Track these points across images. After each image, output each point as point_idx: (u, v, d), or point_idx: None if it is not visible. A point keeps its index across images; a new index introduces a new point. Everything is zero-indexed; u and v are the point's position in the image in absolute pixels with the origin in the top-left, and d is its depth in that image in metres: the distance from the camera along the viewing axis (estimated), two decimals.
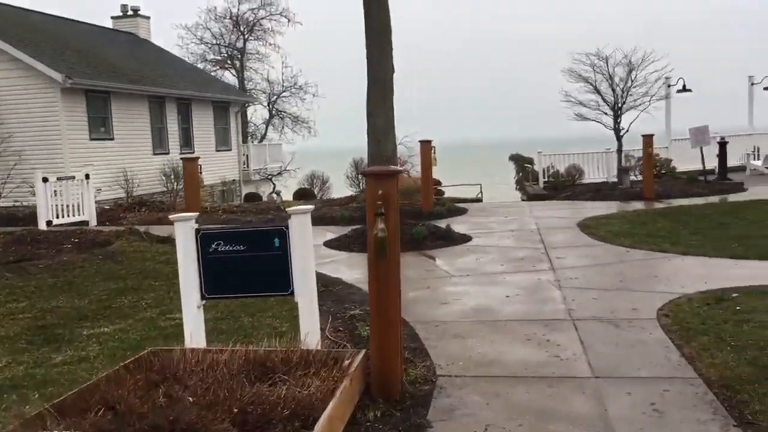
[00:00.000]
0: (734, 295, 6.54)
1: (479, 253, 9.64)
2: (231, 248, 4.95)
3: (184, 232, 4.86)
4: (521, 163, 25.32)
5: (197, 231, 4.95)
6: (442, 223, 12.14)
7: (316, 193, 25.08)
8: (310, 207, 5.07)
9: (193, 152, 22.37)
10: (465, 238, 10.87)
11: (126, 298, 7.82)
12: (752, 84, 22.71)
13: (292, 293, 4.95)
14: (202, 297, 4.99)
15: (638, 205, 14.50)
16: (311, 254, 4.96)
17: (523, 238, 10.78)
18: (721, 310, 6.09)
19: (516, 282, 7.69)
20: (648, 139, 15.75)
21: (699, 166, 20.26)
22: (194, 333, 4.87)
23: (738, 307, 6.11)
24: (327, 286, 7.84)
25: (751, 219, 11.35)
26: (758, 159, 20.82)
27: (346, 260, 9.71)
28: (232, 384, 3.82)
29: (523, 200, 20.18)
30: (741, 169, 20.45)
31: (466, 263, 9.01)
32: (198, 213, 7.46)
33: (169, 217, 5.16)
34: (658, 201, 15.05)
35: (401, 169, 4.09)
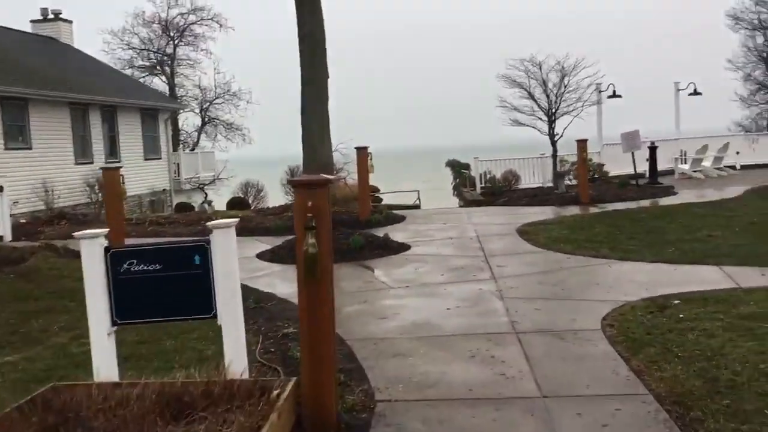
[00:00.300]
0: (676, 302, 6.43)
1: (418, 263, 9.34)
2: (146, 267, 4.46)
3: (90, 250, 4.35)
4: (458, 169, 25.31)
5: (106, 249, 4.44)
6: (380, 232, 11.80)
7: (250, 202, 24.39)
8: (235, 220, 4.63)
9: (120, 161, 21.42)
10: (404, 247, 10.56)
11: (37, 321, 7.15)
12: (678, 90, 23.32)
13: (215, 316, 4.49)
14: (113, 323, 4.47)
15: (575, 210, 14.53)
16: (236, 272, 4.52)
17: (463, 246, 10.55)
18: (664, 318, 5.95)
19: (457, 293, 7.41)
20: (582, 144, 15.85)
21: (630, 170, 20.62)
22: (103, 364, 4.35)
23: (681, 315, 5.98)
24: (259, 302, 7.39)
25: (684, 222, 11.45)
26: (685, 163, 21.35)
27: (279, 273, 9.25)
28: (143, 426, 3.36)
29: (460, 206, 20.09)
30: (670, 172, 20.91)
31: (406, 274, 8.69)
32: (115, 227, 6.88)
33: (74, 234, 4.63)
34: (593, 205, 15.13)
35: (333, 177, 3.75)
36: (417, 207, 24.85)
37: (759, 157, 23.43)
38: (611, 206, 14.61)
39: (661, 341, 5.35)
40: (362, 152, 13.69)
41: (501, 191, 19.20)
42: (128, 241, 10.63)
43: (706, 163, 21.17)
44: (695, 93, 23.13)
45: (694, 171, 20.70)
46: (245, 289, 8.34)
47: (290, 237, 11.25)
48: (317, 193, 3.92)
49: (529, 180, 20.33)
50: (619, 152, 21.05)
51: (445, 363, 5.20)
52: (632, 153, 17.74)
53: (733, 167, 22.17)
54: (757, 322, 5.62)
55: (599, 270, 8.17)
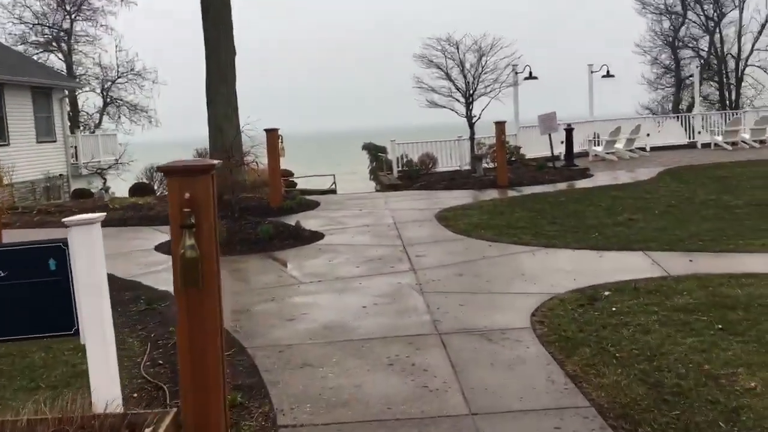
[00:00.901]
0: (606, 293, 6.01)
1: (332, 253, 8.64)
2: None
3: None
4: (375, 152, 24.71)
5: None
6: (291, 220, 11.02)
7: (156, 188, 22.97)
8: (100, 215, 3.80)
9: (8, 144, 19.61)
10: (317, 236, 9.83)
11: None
12: (592, 72, 23.49)
13: (77, 333, 3.66)
14: None
15: (493, 194, 14.18)
16: (103, 278, 3.69)
17: (380, 234, 9.93)
18: (596, 312, 5.51)
19: (374, 288, 6.77)
20: (501, 127, 15.52)
21: (547, 153, 20.58)
22: None
23: (613, 308, 5.56)
24: (152, 303, 6.52)
25: (604, 206, 11.24)
26: (599, 145, 21.52)
27: None
28: None
29: (377, 191, 19.51)
30: (584, 154, 21.02)
31: (318, 266, 7.98)
32: None
33: None
34: (511, 189, 14.84)
35: (215, 162, 2.98)
36: (333, 192, 24.12)
37: (666, 138, 23.99)
38: (530, 189, 14.36)
39: (595, 339, 4.89)
40: (272, 134, 12.82)
41: (418, 175, 18.72)
42: (4, 235, 9.41)
43: (619, 145, 21.41)
44: (608, 75, 23.39)
45: (608, 153, 20.88)
46: (137, 286, 7.46)
47: None
48: (197, 182, 3.15)
49: (447, 163, 19.96)
50: (536, 134, 20.99)
51: (361, 374, 4.54)
52: (549, 135, 17.61)
53: (643, 149, 22.57)
54: (692, 314, 5.25)
55: (523, 259, 7.72)
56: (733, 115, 25.68)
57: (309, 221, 11.15)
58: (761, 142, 22.32)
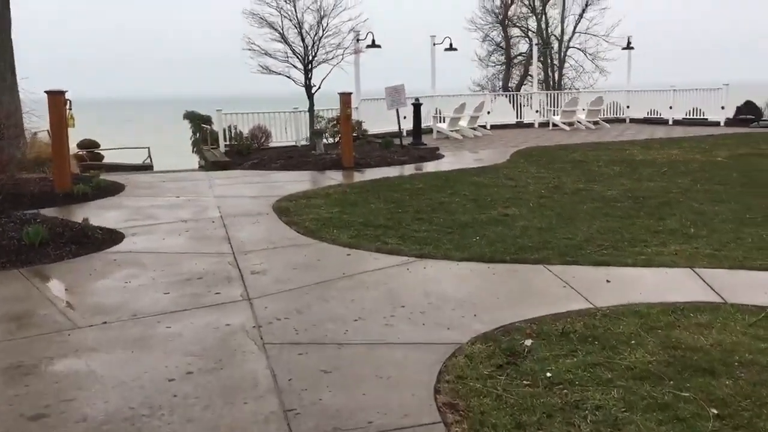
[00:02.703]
0: (527, 342, 4.27)
1: (132, 268, 6.20)
2: None
3: None
4: (198, 122, 21.75)
5: None
6: (81, 213, 8.34)
7: None
8: None
9: None
10: (113, 239, 7.30)
11: None
12: (434, 44, 22.19)
13: None
14: None
15: (339, 177, 12.23)
16: None
17: (202, 235, 7.59)
18: (526, 382, 3.73)
19: (188, 336, 4.52)
20: (346, 98, 13.55)
21: (390, 128, 19.02)
22: None
23: (548, 374, 3.81)
24: None
25: (469, 195, 9.69)
26: (443, 122, 20.33)
27: None
28: None
29: (201, 168, 16.80)
30: (428, 131, 19.72)
31: (107, 292, 5.53)
32: None
33: None
34: (358, 170, 13.00)
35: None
36: (148, 168, 20.92)
37: (502, 117, 23.45)
38: (380, 172, 12.58)
39: None
40: (56, 98, 9.81)
41: (249, 151, 16.30)
42: None
43: (463, 123, 20.38)
44: (451, 48, 22.24)
45: (452, 130, 19.74)
46: None
47: None
48: None
49: (281, 137, 17.73)
50: (379, 108, 19.35)
51: None
52: (397, 110, 15.94)
53: (484, 127, 21.78)
54: (662, 385, 3.63)
55: (397, 277, 5.81)
56: (567, 96, 25.72)
57: (107, 214, 8.54)
58: (595, 123, 22.39)
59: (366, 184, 11.05)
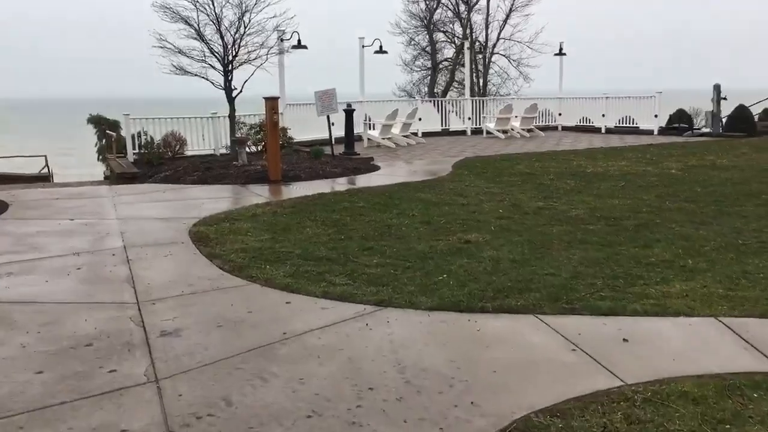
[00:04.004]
0: None
1: None
2: None
3: None
4: (104, 127, 19.76)
5: None
6: None
7: None
8: None
9: None
10: None
11: None
12: (363, 46, 20.93)
13: None
14: None
15: (265, 192, 10.78)
16: None
17: (98, 274, 6.02)
18: None
19: None
20: (273, 104, 12.09)
21: (317, 136, 17.71)
22: None
23: None
24: None
25: (419, 217, 8.46)
26: (373, 129, 19.11)
27: None
28: None
29: (106, 179, 14.94)
30: (357, 139, 18.44)
31: None
32: None
33: None
34: (287, 185, 11.60)
35: None
36: (46, 178, 18.74)
37: (433, 124, 22.45)
38: (311, 186, 11.20)
39: None
40: None
41: (161, 160, 14.58)
42: None
43: (395, 130, 19.23)
44: (381, 51, 21.03)
45: (384, 138, 18.55)
46: None
47: None
48: None
49: (198, 145, 16.07)
50: (305, 114, 18.03)
51: None
52: (328, 117, 14.58)
53: (415, 134, 20.71)
54: None
55: (356, 339, 4.47)
56: (500, 103, 25.00)
57: None
58: (529, 131, 21.71)
59: (298, 202, 9.64)
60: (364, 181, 11.96)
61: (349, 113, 15.40)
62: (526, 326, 4.62)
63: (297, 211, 8.91)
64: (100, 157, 20.12)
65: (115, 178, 13.55)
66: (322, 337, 4.44)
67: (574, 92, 24.97)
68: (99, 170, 18.58)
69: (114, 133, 16.07)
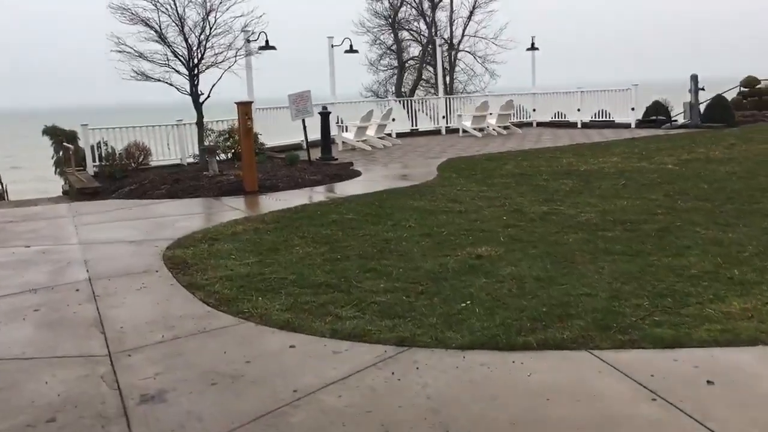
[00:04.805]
0: None
1: None
2: None
3: None
4: (61, 139, 18.59)
5: None
6: None
7: None
8: None
9: None
10: None
11: None
12: (333, 46, 20.09)
13: None
14: None
15: (242, 206, 9.91)
16: None
17: (60, 316, 5.11)
18: None
19: None
20: (245, 109, 11.20)
21: (289, 141, 16.92)
22: None
23: None
24: None
25: (418, 229, 7.70)
26: (347, 131, 18.30)
27: None
28: None
29: (65, 194, 13.86)
30: (331, 142, 17.58)
31: None
32: None
33: None
34: (265, 195, 10.74)
35: None
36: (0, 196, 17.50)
37: (403, 124, 21.69)
38: (291, 197, 10.37)
39: None
40: None
41: (125, 172, 13.57)
42: None
43: (370, 132, 18.44)
44: (351, 51, 20.25)
45: (359, 140, 17.75)
46: None
47: None
48: None
49: (164, 155, 15.06)
50: (275, 118, 17.13)
51: None
52: (303, 120, 13.73)
53: (389, 135, 19.97)
54: None
55: (384, 396, 3.65)
56: (475, 100, 24.37)
57: None
58: (506, 128, 21.13)
59: (281, 216, 8.78)
60: (347, 188, 11.14)
61: (325, 116, 14.55)
62: (584, 367, 3.88)
63: (282, 226, 8.05)
64: (58, 171, 18.93)
65: (75, 194, 12.49)
66: (343, 395, 3.63)
67: (545, 87, 24.48)
68: (56, 185, 17.41)
69: (71, 146, 14.94)
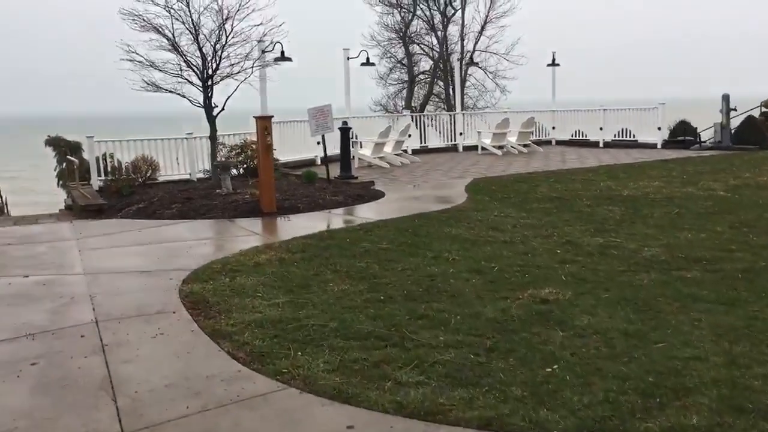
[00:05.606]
0: None
1: None
2: None
3: None
4: (64, 150, 17.79)
5: None
6: None
7: None
8: None
9: None
10: None
11: None
12: (348, 58, 19.34)
13: None
14: None
15: (261, 230, 9.08)
16: None
17: (62, 375, 4.26)
18: None
19: None
20: (265, 123, 10.38)
21: (302, 156, 16.17)
22: None
23: None
24: None
25: (462, 261, 6.87)
26: (363, 147, 17.48)
27: None
28: None
29: (68, 209, 13.01)
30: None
31: None
32: None
33: None
34: (284, 217, 9.91)
35: None
36: (0, 210, 16.67)
37: (416, 140, 20.87)
38: (314, 220, 9.54)
39: None
40: None
41: (132, 188, 12.73)
42: None
43: (388, 149, 17.63)
44: (368, 63, 19.51)
45: (376, 157, 16.93)
46: None
47: None
48: None
49: (173, 170, 14.26)
50: (288, 132, 16.34)
51: None
52: (323, 136, 12.93)
53: (406, 152, 19.17)
54: None
55: None
56: (497, 117, 23.58)
57: None
58: (526, 146, 20.32)
59: (307, 243, 7.93)
60: (372, 211, 10.31)
61: (344, 131, 13.73)
62: None
63: (310, 256, 7.20)
64: (61, 183, 18.12)
65: (78, 210, 11.65)
66: None
67: (562, 104, 23.70)
68: (59, 198, 16.58)
69: (76, 159, 14.14)
